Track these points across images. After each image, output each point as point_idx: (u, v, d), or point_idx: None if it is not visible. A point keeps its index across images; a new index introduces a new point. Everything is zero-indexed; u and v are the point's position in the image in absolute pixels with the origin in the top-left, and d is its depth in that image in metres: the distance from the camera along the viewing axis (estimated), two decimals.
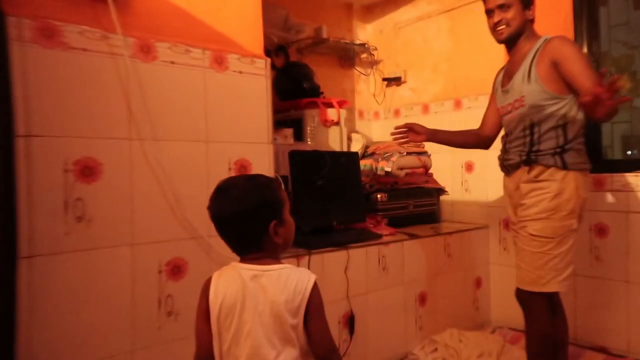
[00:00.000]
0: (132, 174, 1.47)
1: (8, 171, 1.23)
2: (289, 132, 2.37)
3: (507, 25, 1.74)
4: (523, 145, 1.75)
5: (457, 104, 2.91)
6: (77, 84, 1.38)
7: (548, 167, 1.68)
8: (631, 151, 2.51)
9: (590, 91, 1.42)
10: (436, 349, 2.27)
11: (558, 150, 1.68)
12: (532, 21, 1.79)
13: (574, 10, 2.40)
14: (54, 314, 1.33)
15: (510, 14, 1.73)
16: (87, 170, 1.38)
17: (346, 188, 2.32)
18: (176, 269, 1.56)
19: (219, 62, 1.68)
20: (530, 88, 1.71)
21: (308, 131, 2.60)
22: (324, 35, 2.90)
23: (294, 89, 2.72)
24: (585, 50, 2.40)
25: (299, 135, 2.57)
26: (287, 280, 1.08)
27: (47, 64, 1.32)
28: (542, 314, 1.74)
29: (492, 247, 2.74)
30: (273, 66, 2.73)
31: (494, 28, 1.79)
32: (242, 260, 1.11)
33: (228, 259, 1.65)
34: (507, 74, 1.87)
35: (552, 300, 1.76)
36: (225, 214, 1.08)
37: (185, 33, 1.60)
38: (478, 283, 2.67)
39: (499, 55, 2.67)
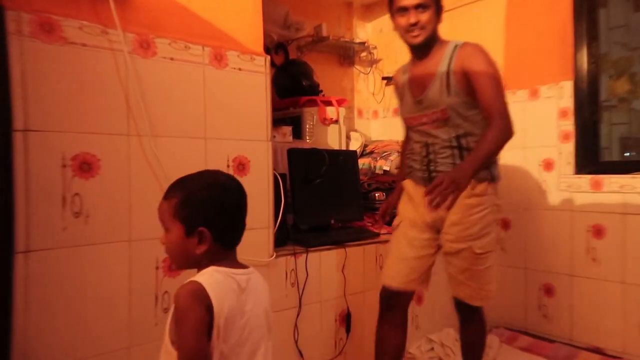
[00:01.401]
0: (130, 170, 1.47)
1: (6, 166, 1.23)
2: (287, 130, 2.37)
3: (423, 28, 1.61)
4: (453, 157, 1.63)
5: None
6: (76, 79, 1.37)
7: (483, 180, 1.60)
8: (629, 153, 2.51)
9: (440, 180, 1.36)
10: (432, 349, 2.28)
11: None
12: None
13: (573, 12, 2.40)
14: (51, 309, 1.33)
15: (426, 16, 1.60)
16: (85, 166, 1.38)
17: (344, 186, 2.32)
18: (173, 266, 1.56)
19: (219, 59, 1.68)
20: (451, 100, 1.60)
21: (307, 129, 2.60)
22: (324, 33, 2.90)
23: (293, 87, 2.72)
24: (584, 52, 2.40)
25: (298, 133, 2.57)
26: (263, 280, 1.11)
27: (46, 58, 1.31)
28: (484, 321, 1.80)
29: None
30: (272, 64, 2.73)
31: (407, 29, 1.63)
32: (227, 262, 1.04)
33: None
34: (417, 81, 1.70)
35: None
36: (243, 203, 1.08)
37: (185, 29, 1.60)
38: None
39: (498, 55, 2.68)
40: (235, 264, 1.05)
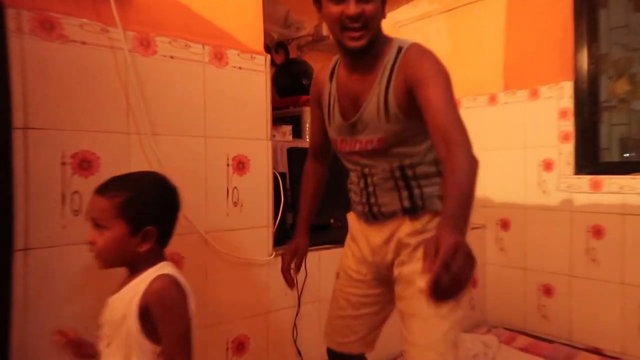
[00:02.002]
0: (129, 168, 1.46)
1: (5, 163, 1.23)
2: (287, 128, 2.36)
3: (366, 25, 1.12)
4: (398, 189, 1.23)
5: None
6: (75, 77, 1.37)
7: (435, 212, 1.21)
8: (629, 153, 2.52)
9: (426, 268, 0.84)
10: None
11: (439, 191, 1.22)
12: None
13: (574, 12, 2.40)
14: (50, 306, 1.33)
15: (371, 7, 1.11)
16: (85, 164, 1.38)
17: (344, 186, 2.31)
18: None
19: (219, 57, 1.68)
20: (390, 127, 1.17)
21: (307, 128, 2.59)
22: (324, 32, 2.88)
23: (294, 86, 2.72)
24: (585, 52, 2.40)
25: (298, 132, 2.57)
26: None
27: (46, 56, 1.31)
28: None
29: (489, 247, 2.74)
30: (273, 63, 2.72)
31: (342, 24, 1.12)
32: (163, 259, 1.09)
33: (225, 254, 1.67)
34: (349, 97, 1.25)
35: None
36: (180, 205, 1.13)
37: (185, 28, 1.60)
38: (474, 283, 2.67)
39: (498, 55, 2.68)
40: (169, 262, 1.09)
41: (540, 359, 2.25)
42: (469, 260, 0.80)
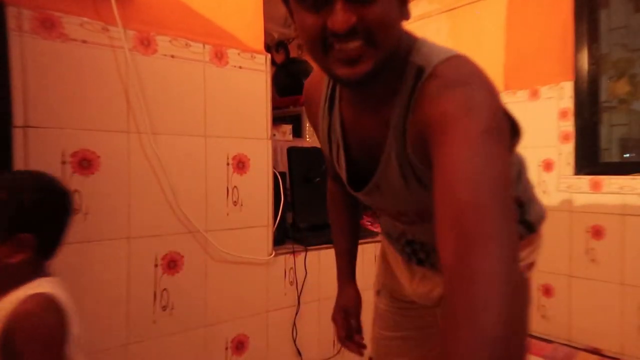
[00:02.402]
0: (129, 167, 1.47)
1: (5, 162, 1.23)
2: (287, 128, 2.36)
3: (372, 42, 0.65)
4: None
5: None
6: (76, 75, 1.37)
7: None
8: (629, 154, 2.52)
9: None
10: None
11: None
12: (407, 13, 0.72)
13: (574, 12, 2.40)
14: None
15: (375, 10, 0.63)
16: (85, 163, 1.38)
17: None
18: (172, 263, 1.56)
19: (219, 56, 1.68)
20: (426, 195, 0.72)
21: (307, 128, 2.59)
22: None
23: (294, 85, 2.72)
24: (585, 52, 2.40)
25: (298, 132, 2.57)
26: None
27: (46, 55, 1.31)
28: None
29: None
30: (273, 62, 2.72)
31: (330, 45, 0.66)
32: (43, 274, 0.93)
33: (224, 253, 1.67)
34: (358, 147, 0.84)
35: None
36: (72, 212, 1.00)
37: (186, 27, 1.60)
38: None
39: (498, 55, 2.68)
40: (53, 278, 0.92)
41: (539, 358, 2.25)
42: None
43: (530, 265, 0.98)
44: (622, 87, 2.44)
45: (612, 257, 2.25)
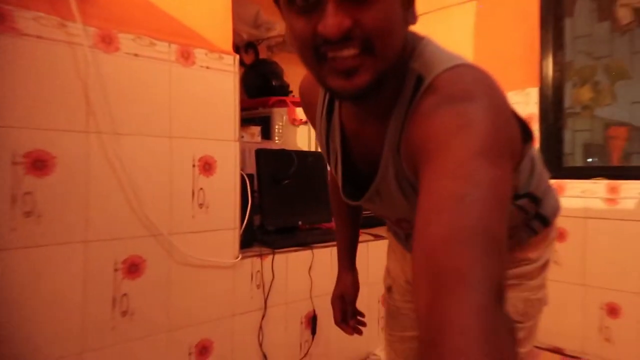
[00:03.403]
0: (88, 169, 1.42)
1: None
2: (256, 130, 2.34)
3: (370, 49, 0.57)
4: None
5: None
6: (30, 72, 1.31)
7: (532, 234, 0.94)
8: (591, 159, 2.58)
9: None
10: None
11: None
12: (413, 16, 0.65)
13: (540, 21, 2.45)
14: None
15: (374, 14, 0.55)
16: (39, 163, 1.32)
17: (313, 188, 2.31)
18: (133, 267, 1.52)
19: (186, 56, 1.64)
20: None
21: (276, 130, 2.58)
22: None
23: (263, 87, 2.70)
24: (550, 59, 2.45)
25: (267, 134, 2.55)
26: None
27: None
28: None
29: None
30: (242, 63, 2.69)
31: (321, 53, 0.59)
32: None
33: (189, 257, 1.63)
34: (358, 156, 0.81)
35: None
36: None
37: (151, 25, 1.56)
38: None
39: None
40: None
41: None
42: None
43: (546, 264, 0.97)
44: (586, 94, 2.51)
45: (574, 259, 2.30)
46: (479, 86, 0.60)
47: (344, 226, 1.16)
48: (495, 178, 0.49)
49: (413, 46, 0.67)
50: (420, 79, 0.63)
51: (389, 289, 1.17)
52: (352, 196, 0.83)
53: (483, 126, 0.53)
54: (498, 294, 0.41)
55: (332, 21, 0.53)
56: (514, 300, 0.90)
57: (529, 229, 0.90)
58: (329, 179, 1.17)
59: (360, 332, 1.15)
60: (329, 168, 1.02)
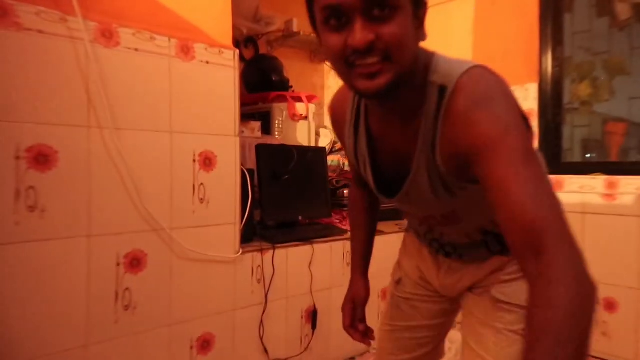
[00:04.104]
0: (90, 163, 1.42)
1: None
2: (256, 125, 2.34)
3: (389, 57, 0.70)
4: (486, 244, 0.97)
5: None
6: (32, 67, 1.32)
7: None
8: (590, 154, 2.60)
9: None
10: None
11: None
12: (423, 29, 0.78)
13: (540, 16, 2.46)
14: (2, 306, 1.27)
15: (391, 29, 0.69)
16: (41, 158, 1.33)
17: (313, 183, 2.31)
18: (135, 262, 1.53)
19: (186, 51, 1.64)
20: (454, 202, 0.86)
21: (276, 125, 2.57)
22: (295, 28, 2.87)
23: (263, 82, 2.70)
24: (549, 55, 2.46)
25: (267, 129, 2.55)
26: None
27: None
28: None
29: None
30: (242, 58, 2.69)
31: (351, 62, 0.72)
32: None
33: (190, 252, 1.64)
34: (385, 158, 0.91)
35: None
36: None
37: (151, 20, 1.56)
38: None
39: (466, 56, 2.72)
40: None
41: None
42: None
43: None
44: (585, 90, 2.52)
45: None
46: (496, 86, 0.74)
47: (360, 235, 1.24)
48: (542, 169, 0.69)
49: (427, 61, 0.80)
50: (443, 88, 0.76)
51: (398, 281, 1.21)
52: (385, 193, 0.93)
53: (517, 125, 0.69)
54: (581, 253, 0.63)
55: (359, 36, 0.68)
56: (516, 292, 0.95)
57: None
58: (350, 190, 1.27)
59: (368, 341, 1.17)
60: (353, 183, 1.19)
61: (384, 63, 0.70)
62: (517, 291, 0.93)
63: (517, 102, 0.74)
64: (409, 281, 1.18)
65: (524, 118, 0.75)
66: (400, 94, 0.77)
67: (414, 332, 1.16)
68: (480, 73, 0.76)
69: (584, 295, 0.58)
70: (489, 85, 0.74)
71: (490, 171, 0.67)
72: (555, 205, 0.64)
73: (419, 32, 0.76)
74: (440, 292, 1.11)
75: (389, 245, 2.39)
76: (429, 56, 0.81)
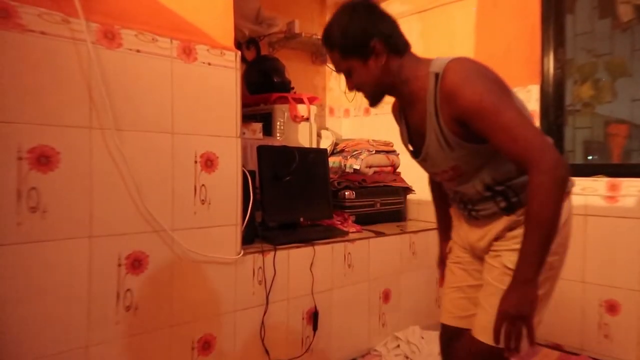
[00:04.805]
0: (91, 164, 1.43)
1: None
2: (257, 126, 2.34)
3: (361, 89, 1.26)
4: (494, 199, 1.24)
5: None
6: (34, 68, 1.32)
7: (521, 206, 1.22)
8: (592, 156, 2.59)
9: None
10: (398, 346, 2.30)
11: None
12: (396, 57, 1.22)
13: (541, 18, 2.46)
14: (3, 306, 1.28)
15: (355, 79, 1.24)
16: (43, 159, 1.33)
17: (314, 185, 2.32)
18: (137, 263, 1.53)
19: (187, 52, 1.64)
20: (458, 155, 1.19)
21: (277, 126, 2.58)
22: (296, 30, 2.88)
23: (265, 83, 2.70)
24: (551, 57, 2.46)
25: (268, 130, 2.55)
26: None
27: (1, 46, 1.26)
28: None
29: None
30: (243, 59, 2.70)
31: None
32: None
33: (191, 253, 1.64)
34: (412, 132, 1.33)
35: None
36: None
37: (153, 21, 1.56)
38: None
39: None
40: None
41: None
42: (525, 311, 1.07)
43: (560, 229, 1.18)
44: (586, 91, 2.51)
45: (574, 256, 2.30)
46: (469, 67, 1.12)
47: (439, 212, 1.60)
48: (511, 100, 1.10)
49: (427, 61, 1.20)
50: (437, 75, 1.13)
51: (449, 250, 1.50)
52: (415, 156, 1.33)
53: (488, 87, 1.08)
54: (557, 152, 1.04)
55: (348, 86, 1.29)
56: None
57: None
58: (429, 182, 1.61)
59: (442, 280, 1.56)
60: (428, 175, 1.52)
61: (364, 94, 1.28)
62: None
63: (490, 75, 1.11)
64: (456, 246, 1.46)
65: (498, 82, 1.11)
66: (402, 90, 1.25)
67: (467, 292, 1.39)
68: (460, 61, 1.13)
69: (558, 177, 1.02)
70: (465, 67, 1.11)
71: (483, 126, 1.08)
72: (532, 130, 1.05)
73: (377, 62, 1.21)
74: (470, 249, 1.38)
75: (389, 247, 2.39)
76: (428, 60, 1.20)
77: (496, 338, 1.09)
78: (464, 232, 1.39)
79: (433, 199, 1.62)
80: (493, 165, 1.19)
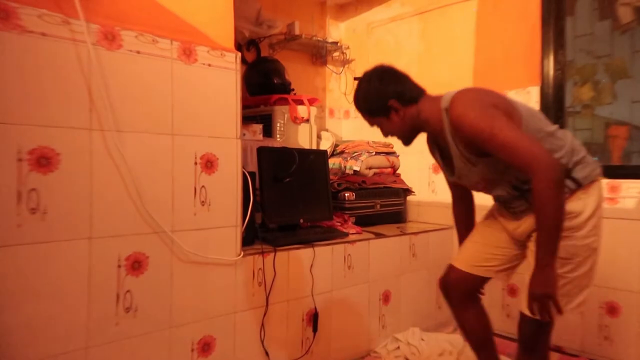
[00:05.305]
0: (91, 166, 1.43)
1: None
2: (258, 127, 2.34)
3: (392, 136, 1.59)
4: (524, 197, 1.48)
5: None
6: (34, 69, 1.32)
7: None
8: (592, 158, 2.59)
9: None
10: (398, 347, 2.30)
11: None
12: (412, 106, 1.51)
13: (541, 19, 2.46)
14: (3, 308, 1.27)
15: (384, 129, 1.58)
16: (43, 160, 1.33)
17: (314, 186, 2.32)
18: (136, 264, 1.52)
19: (188, 53, 1.64)
20: (483, 169, 1.46)
21: (277, 128, 2.58)
22: (297, 31, 2.88)
23: (265, 85, 2.70)
24: (551, 58, 2.46)
25: (268, 132, 2.56)
26: None
27: (1, 47, 1.26)
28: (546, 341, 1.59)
29: (456, 247, 2.78)
30: (244, 60, 2.70)
31: None
32: None
33: (191, 254, 1.64)
34: (440, 150, 1.62)
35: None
36: None
37: (153, 22, 1.56)
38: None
39: (468, 59, 2.72)
40: None
41: (504, 357, 2.29)
42: (548, 290, 1.34)
43: (590, 218, 1.41)
44: (586, 93, 2.51)
45: None
46: (466, 99, 1.39)
47: (457, 219, 1.86)
48: (504, 120, 1.32)
49: (439, 99, 1.46)
50: (447, 110, 1.41)
51: (486, 216, 1.77)
52: (450, 175, 1.62)
53: (481, 112, 1.34)
54: (556, 160, 1.32)
55: (382, 133, 1.63)
56: (565, 247, 1.37)
57: (567, 187, 1.40)
58: (451, 192, 1.83)
59: None
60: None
61: (397, 137, 1.59)
62: (564, 247, 1.36)
63: (486, 100, 1.37)
64: (492, 218, 1.72)
65: (495, 104, 1.36)
66: (427, 128, 1.55)
67: (490, 250, 1.69)
68: (461, 93, 1.41)
69: (554, 179, 1.24)
70: (463, 100, 1.38)
71: (487, 146, 1.33)
72: (526, 143, 1.27)
73: (398, 115, 1.51)
74: (514, 236, 1.62)
75: (389, 248, 2.39)
76: (439, 97, 1.47)
77: (532, 312, 1.40)
78: (503, 219, 1.65)
79: (454, 210, 1.85)
80: (514, 168, 1.38)
